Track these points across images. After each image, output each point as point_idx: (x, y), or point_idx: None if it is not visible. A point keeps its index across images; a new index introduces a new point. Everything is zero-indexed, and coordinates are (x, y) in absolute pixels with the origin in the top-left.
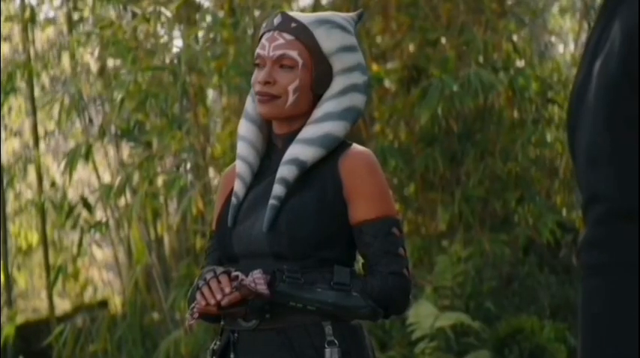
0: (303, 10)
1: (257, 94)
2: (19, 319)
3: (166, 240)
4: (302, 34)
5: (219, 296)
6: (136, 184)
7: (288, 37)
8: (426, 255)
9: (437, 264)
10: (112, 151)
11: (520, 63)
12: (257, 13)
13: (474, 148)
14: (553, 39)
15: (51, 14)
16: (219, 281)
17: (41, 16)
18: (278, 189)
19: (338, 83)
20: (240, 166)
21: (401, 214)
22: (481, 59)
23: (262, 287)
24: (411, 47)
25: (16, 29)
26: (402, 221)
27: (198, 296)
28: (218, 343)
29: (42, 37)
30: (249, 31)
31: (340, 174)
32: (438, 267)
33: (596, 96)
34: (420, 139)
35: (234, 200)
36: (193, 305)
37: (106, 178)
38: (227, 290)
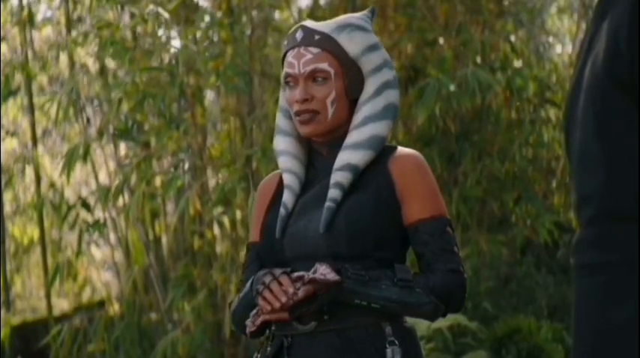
0: (301, 11)
1: (296, 114)
2: (18, 319)
3: (164, 240)
4: (327, 44)
5: (284, 299)
6: (133, 184)
7: (314, 50)
8: None
9: None
10: (109, 151)
11: (518, 63)
12: (254, 13)
13: (472, 148)
14: (551, 39)
15: (49, 14)
16: (280, 283)
17: (39, 17)
18: (334, 193)
19: (371, 84)
20: (287, 178)
21: None
22: (479, 59)
23: (333, 275)
24: (409, 47)
25: (14, 29)
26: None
27: (260, 301)
28: (269, 349)
29: (40, 37)
30: (247, 31)
31: (392, 176)
32: None
33: (586, 98)
34: (417, 139)
35: (282, 211)
36: (255, 311)
37: (104, 178)
38: (290, 290)
